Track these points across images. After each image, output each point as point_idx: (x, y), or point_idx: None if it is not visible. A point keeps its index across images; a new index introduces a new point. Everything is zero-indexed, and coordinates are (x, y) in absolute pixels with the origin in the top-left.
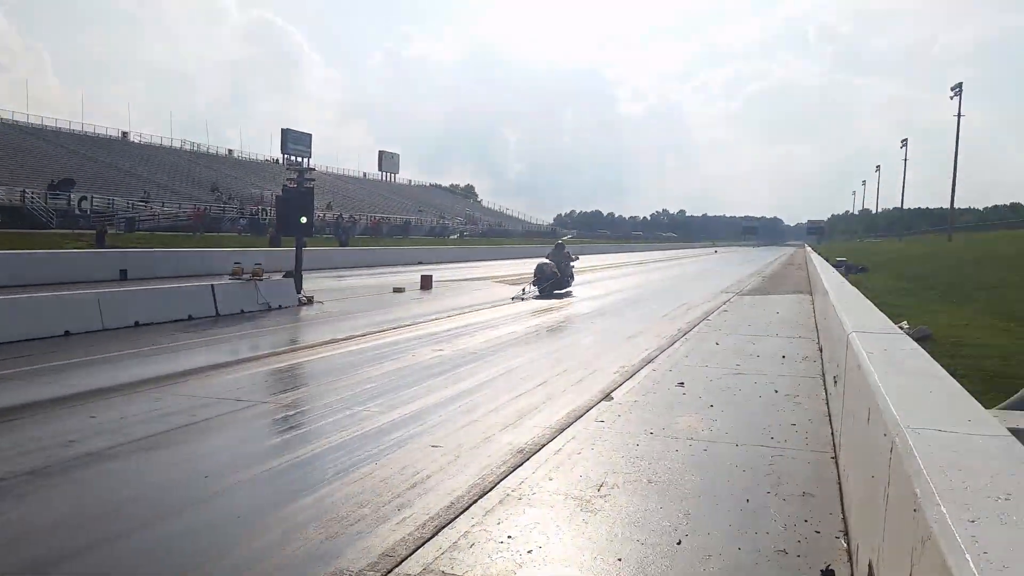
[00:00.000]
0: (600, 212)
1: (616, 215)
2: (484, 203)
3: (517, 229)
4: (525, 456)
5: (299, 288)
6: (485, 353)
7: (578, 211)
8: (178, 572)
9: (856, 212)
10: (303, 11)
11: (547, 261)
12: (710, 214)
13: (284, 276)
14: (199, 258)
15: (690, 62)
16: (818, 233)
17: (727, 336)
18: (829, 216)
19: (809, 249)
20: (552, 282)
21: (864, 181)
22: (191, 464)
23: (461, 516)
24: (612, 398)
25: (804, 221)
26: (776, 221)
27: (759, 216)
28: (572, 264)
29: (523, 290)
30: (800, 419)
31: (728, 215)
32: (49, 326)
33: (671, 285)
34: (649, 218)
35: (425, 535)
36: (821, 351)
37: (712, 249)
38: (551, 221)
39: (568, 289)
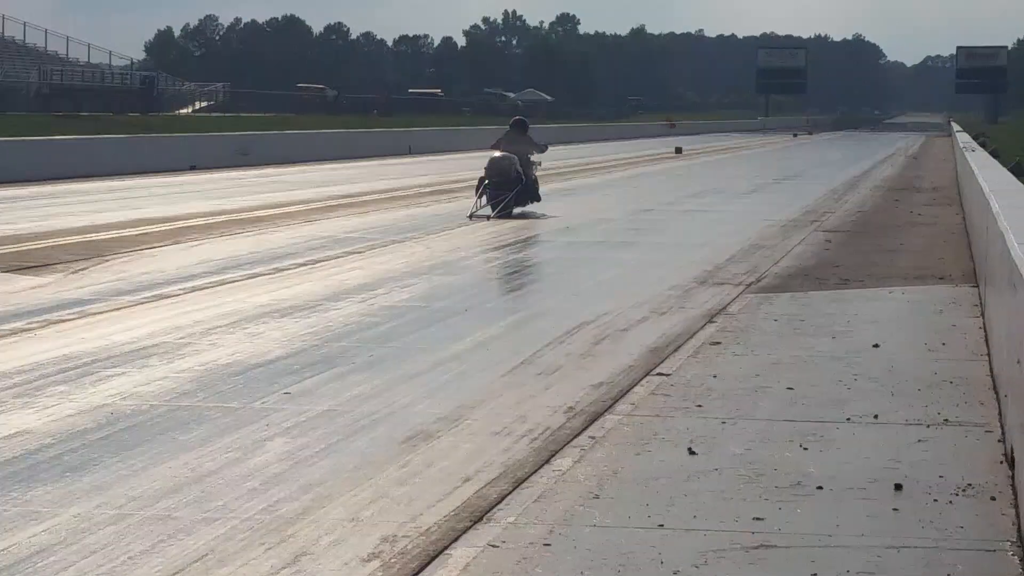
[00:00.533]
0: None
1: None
2: None
3: None
4: None
5: None
6: None
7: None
8: None
9: None
10: None
11: (504, 154)
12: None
13: None
14: None
15: None
16: (992, 92)
17: None
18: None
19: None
20: (517, 191)
21: None
22: None
23: None
24: None
25: (940, 54)
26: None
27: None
28: (537, 161)
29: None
30: None
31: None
32: None
33: None
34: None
35: None
36: None
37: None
38: None
39: (533, 206)
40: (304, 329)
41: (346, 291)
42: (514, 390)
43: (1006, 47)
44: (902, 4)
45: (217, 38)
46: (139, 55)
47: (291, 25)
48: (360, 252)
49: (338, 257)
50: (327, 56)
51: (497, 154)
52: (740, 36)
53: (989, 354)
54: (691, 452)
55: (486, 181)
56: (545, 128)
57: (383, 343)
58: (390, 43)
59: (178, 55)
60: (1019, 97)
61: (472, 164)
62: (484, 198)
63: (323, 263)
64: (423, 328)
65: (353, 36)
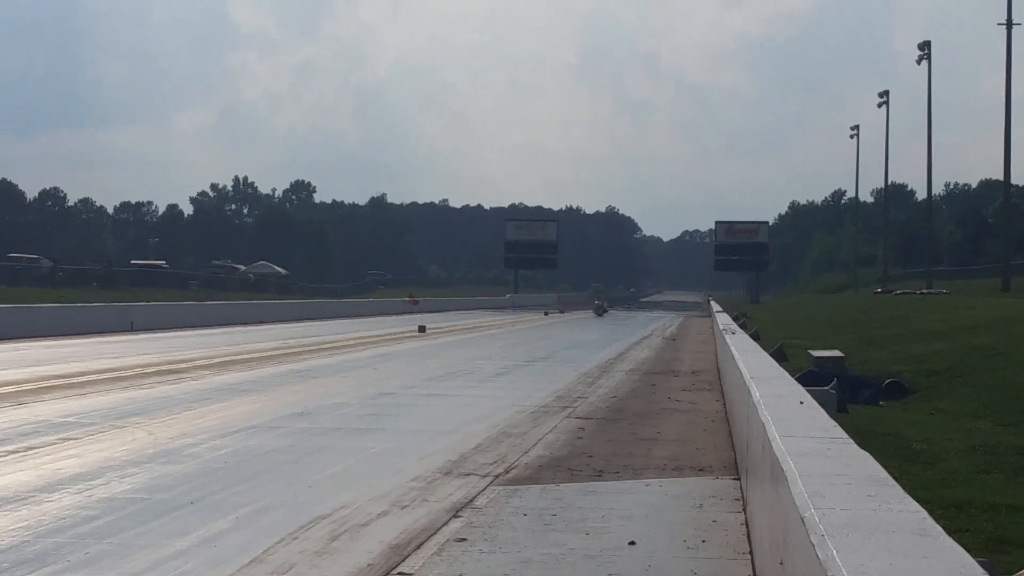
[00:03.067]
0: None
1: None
2: None
3: None
4: None
5: None
6: None
7: None
8: None
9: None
10: None
11: None
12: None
13: None
14: None
15: None
16: (753, 269)
17: None
18: (782, 213)
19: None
20: None
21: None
22: None
23: None
24: None
25: (699, 229)
26: (617, 221)
27: (553, 206)
28: None
29: None
30: None
31: (487, 205)
32: None
33: None
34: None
35: None
36: None
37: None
38: None
39: None
40: (14, 523)
41: (61, 481)
42: None
43: (767, 222)
44: (657, 176)
45: None
46: None
47: (3, 190)
48: (77, 438)
49: (53, 444)
50: (42, 223)
51: None
52: (487, 207)
53: (752, 553)
54: None
55: None
56: (276, 303)
57: (101, 539)
58: (110, 210)
59: None
60: (781, 275)
61: (199, 342)
62: None
63: (36, 450)
64: (145, 522)
65: (70, 202)
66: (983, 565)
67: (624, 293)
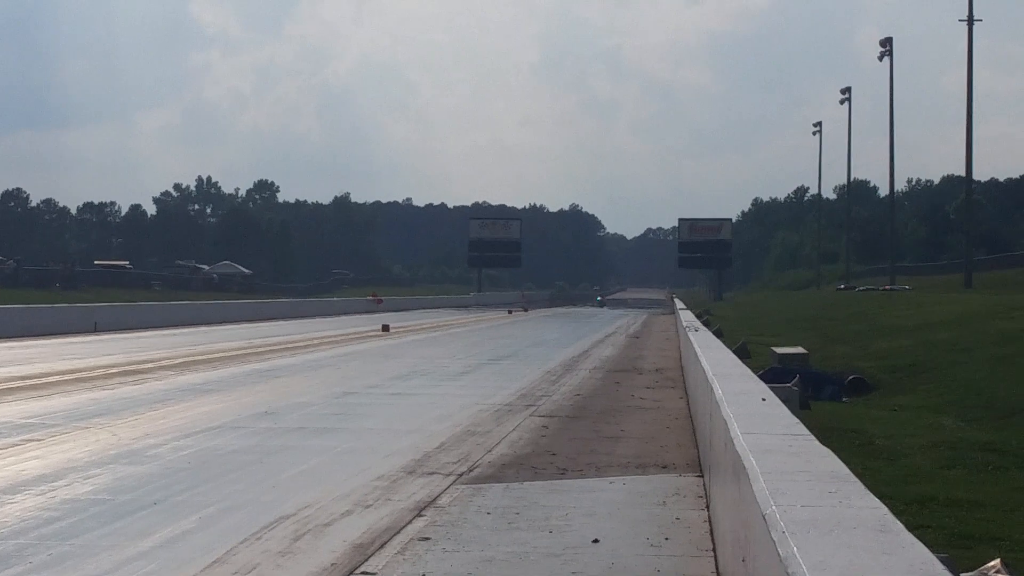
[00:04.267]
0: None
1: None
2: None
3: None
4: None
5: None
6: None
7: None
8: None
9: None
10: None
11: None
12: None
13: None
14: None
15: None
16: (716, 266)
17: None
18: (745, 211)
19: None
20: None
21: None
22: None
23: None
24: None
25: (662, 226)
26: (581, 220)
27: (520, 206)
28: None
29: None
30: None
31: (451, 203)
32: None
33: None
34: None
35: None
36: None
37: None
38: None
39: None
40: None
41: (24, 483)
42: None
43: (730, 220)
44: (621, 174)
45: None
46: None
47: None
48: (40, 440)
49: (16, 445)
50: (4, 224)
51: None
52: (451, 206)
53: (715, 550)
54: None
55: None
56: (240, 303)
57: (64, 540)
58: (73, 211)
59: None
60: (745, 271)
61: (162, 342)
62: None
63: None
64: (108, 523)
65: (33, 203)
66: (944, 561)
67: (588, 291)
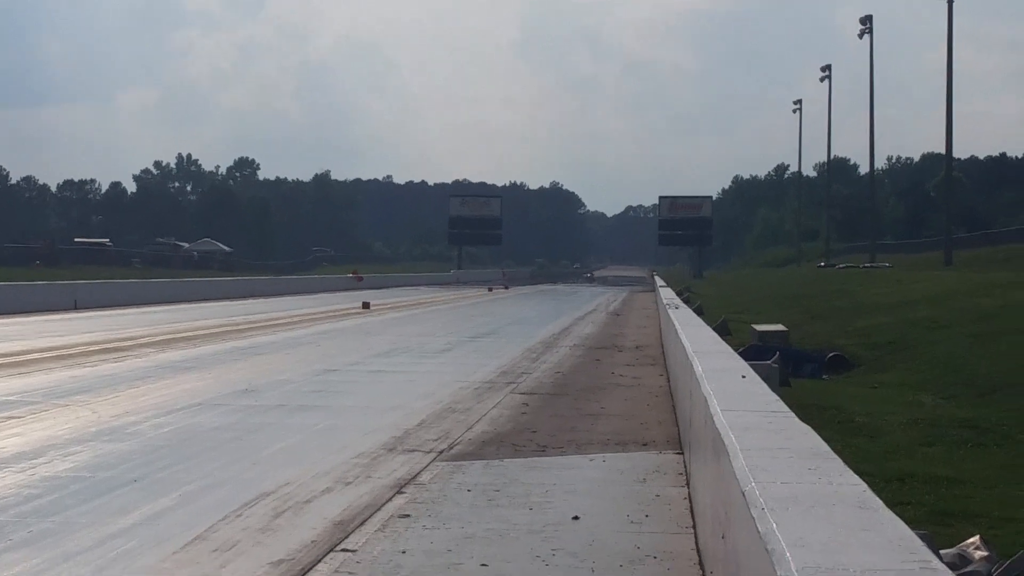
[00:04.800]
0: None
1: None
2: None
3: None
4: None
5: None
6: None
7: None
8: None
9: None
10: None
11: None
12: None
13: None
14: None
15: None
16: (697, 244)
17: None
18: (726, 188)
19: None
20: None
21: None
22: None
23: None
24: None
25: (642, 204)
26: (561, 197)
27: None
28: None
29: None
30: None
31: (431, 181)
32: None
33: None
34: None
35: None
36: None
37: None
38: None
39: None
40: None
41: (3, 460)
42: (187, 569)
43: (710, 197)
44: (601, 152)
45: None
46: None
47: None
48: (19, 417)
49: None
50: None
51: None
52: (431, 183)
53: (695, 527)
54: None
55: None
56: (220, 281)
57: (44, 517)
58: (53, 188)
59: None
60: (725, 249)
61: (142, 320)
62: None
63: None
64: (88, 500)
65: (13, 180)
66: (923, 538)
67: (568, 269)
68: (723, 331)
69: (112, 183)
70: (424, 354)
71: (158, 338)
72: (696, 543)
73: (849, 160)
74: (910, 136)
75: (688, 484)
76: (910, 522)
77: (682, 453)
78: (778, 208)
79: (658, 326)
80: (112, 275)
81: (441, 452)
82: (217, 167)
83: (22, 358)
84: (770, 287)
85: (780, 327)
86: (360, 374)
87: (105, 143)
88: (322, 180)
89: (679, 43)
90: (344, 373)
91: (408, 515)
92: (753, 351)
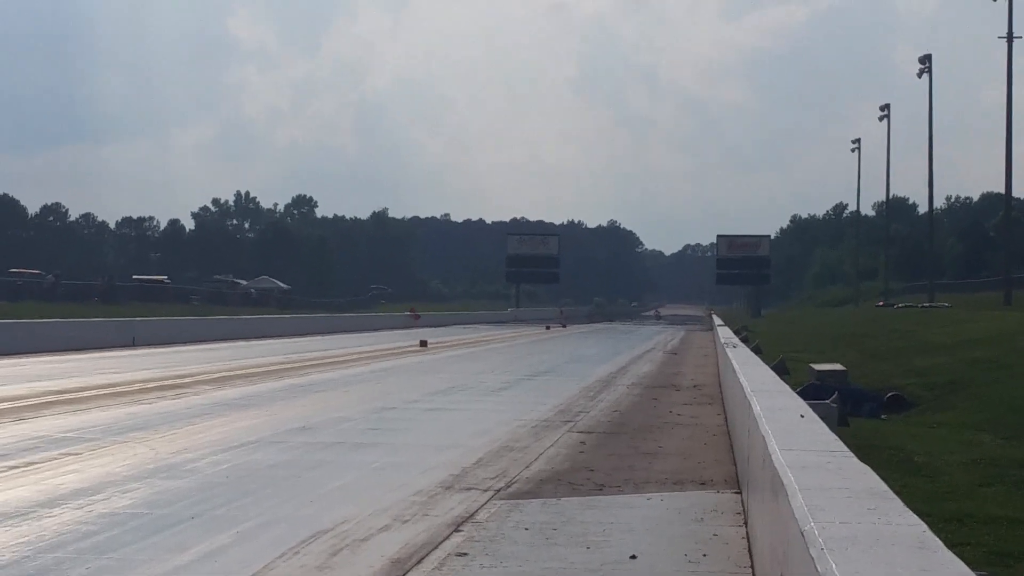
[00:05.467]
0: None
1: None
2: None
3: None
4: None
5: None
6: None
7: None
8: None
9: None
10: None
11: None
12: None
13: None
14: None
15: None
16: (755, 283)
17: None
18: (784, 227)
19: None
20: None
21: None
22: None
23: None
24: None
25: (700, 243)
26: (619, 236)
27: (557, 220)
28: None
29: None
30: None
31: (488, 219)
32: None
33: None
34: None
35: None
36: None
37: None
38: None
39: None
40: (14, 539)
41: (62, 496)
42: None
43: (768, 236)
44: (658, 190)
45: None
46: None
47: (4, 206)
48: (77, 453)
49: (53, 459)
50: (44, 239)
51: None
52: (488, 221)
53: (752, 566)
54: None
55: None
56: (278, 318)
57: (101, 554)
58: (112, 225)
59: None
60: (783, 288)
61: (200, 357)
62: None
63: (36, 465)
64: (146, 537)
65: (72, 217)
66: None
67: (626, 307)
68: (781, 370)
69: (171, 220)
70: (482, 392)
71: (216, 375)
72: None
73: (908, 199)
74: (969, 175)
75: (746, 523)
76: (969, 563)
77: (740, 492)
78: (836, 247)
79: (716, 365)
80: (170, 312)
81: (499, 490)
82: (275, 204)
83: (80, 395)
84: (828, 326)
85: (839, 366)
86: (417, 412)
87: (163, 180)
88: (380, 217)
89: (736, 81)
90: (401, 411)
91: (465, 553)
92: (811, 390)
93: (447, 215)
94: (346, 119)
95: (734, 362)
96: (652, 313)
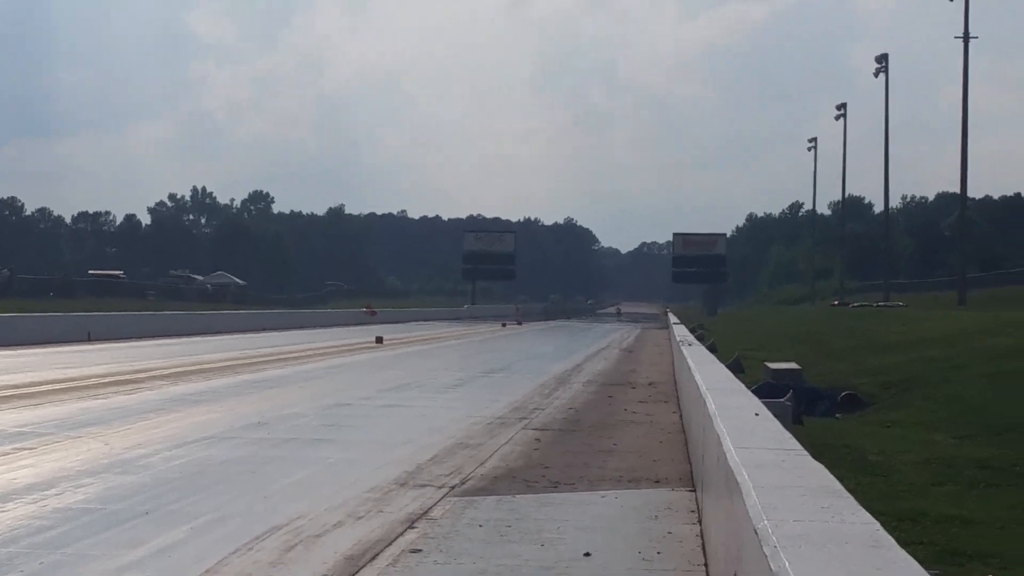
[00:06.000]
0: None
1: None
2: None
3: None
4: None
5: None
6: None
7: None
8: None
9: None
10: None
11: None
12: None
13: None
14: None
15: None
16: (711, 281)
17: None
18: (740, 226)
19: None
20: None
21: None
22: None
23: None
24: None
25: (656, 240)
26: (575, 233)
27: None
28: None
29: None
30: None
31: (445, 216)
32: None
33: None
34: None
35: None
36: None
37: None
38: None
39: None
40: None
41: (15, 491)
42: None
43: (724, 234)
44: (616, 188)
45: None
46: None
47: None
48: (31, 448)
49: (7, 454)
50: None
51: None
52: (445, 218)
53: (706, 564)
54: None
55: None
56: (234, 314)
57: (55, 549)
58: (68, 220)
59: None
60: (739, 287)
61: (155, 352)
62: None
63: None
64: (99, 532)
65: (28, 212)
66: None
67: (582, 305)
68: (736, 369)
69: (127, 215)
70: (436, 389)
71: (171, 371)
72: None
73: (863, 199)
74: (925, 175)
75: (700, 521)
76: (922, 562)
77: (694, 490)
78: (792, 246)
79: (671, 363)
80: (126, 307)
81: (453, 487)
82: (232, 200)
83: (34, 389)
84: (784, 325)
85: (794, 365)
86: (372, 408)
87: (120, 175)
88: (336, 214)
89: (694, 79)
90: (356, 407)
91: (419, 550)
92: (766, 389)
93: (404, 212)
94: (305, 115)
95: (689, 360)
96: (613, 310)
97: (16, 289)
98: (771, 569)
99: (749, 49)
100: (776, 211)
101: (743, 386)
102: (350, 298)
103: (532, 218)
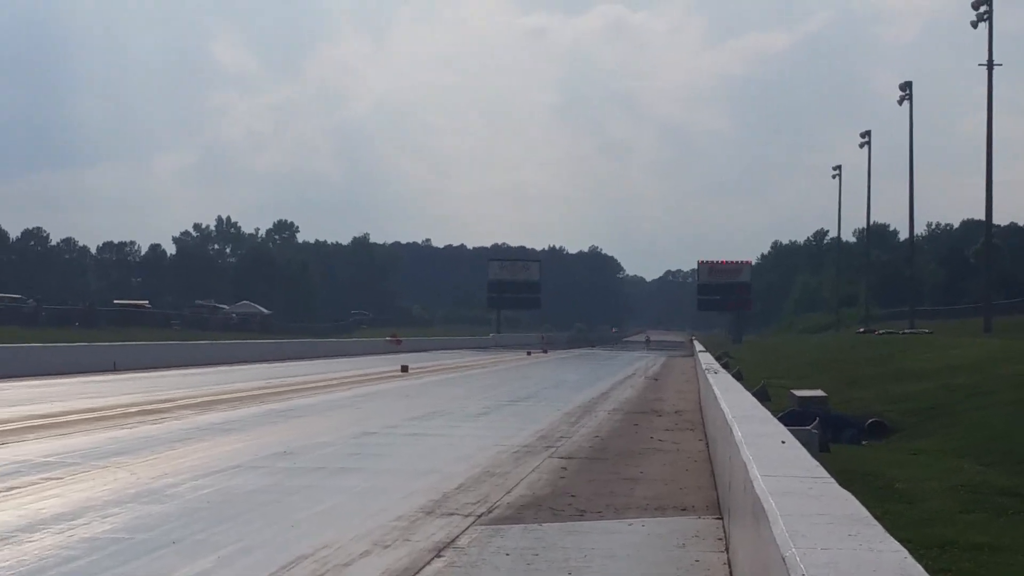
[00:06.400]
0: None
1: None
2: None
3: None
4: None
5: None
6: None
7: None
8: None
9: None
10: None
11: None
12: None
13: None
14: None
15: None
16: (736, 309)
17: None
18: (765, 253)
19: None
20: None
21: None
22: None
23: None
24: None
25: (681, 268)
26: (600, 261)
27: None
28: None
29: None
30: None
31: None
32: None
33: None
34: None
35: None
36: None
37: None
38: None
39: None
40: None
41: (42, 521)
42: None
43: (750, 262)
44: (640, 216)
45: None
46: None
47: None
48: (59, 478)
49: (34, 483)
50: (24, 263)
51: None
52: (470, 247)
53: None
54: None
55: None
56: (259, 343)
57: None
58: (93, 250)
59: None
60: (764, 315)
61: (181, 382)
62: None
63: (17, 490)
64: (126, 562)
65: (53, 242)
66: None
67: (607, 333)
68: (762, 396)
69: (152, 245)
70: (462, 417)
71: (197, 400)
72: None
73: (888, 226)
74: (950, 202)
75: (727, 549)
76: None
77: (721, 518)
78: (817, 274)
79: (697, 391)
80: (151, 337)
81: (480, 516)
82: (257, 230)
83: (62, 419)
84: (809, 353)
85: (820, 392)
86: (398, 437)
87: (145, 205)
88: (361, 243)
89: (716, 108)
90: (382, 436)
91: None
92: (793, 416)
93: (428, 240)
94: (328, 144)
95: (715, 388)
96: (643, 339)
97: (42, 319)
98: None
99: (772, 78)
100: (801, 239)
101: (769, 414)
102: (375, 327)
103: (557, 246)
